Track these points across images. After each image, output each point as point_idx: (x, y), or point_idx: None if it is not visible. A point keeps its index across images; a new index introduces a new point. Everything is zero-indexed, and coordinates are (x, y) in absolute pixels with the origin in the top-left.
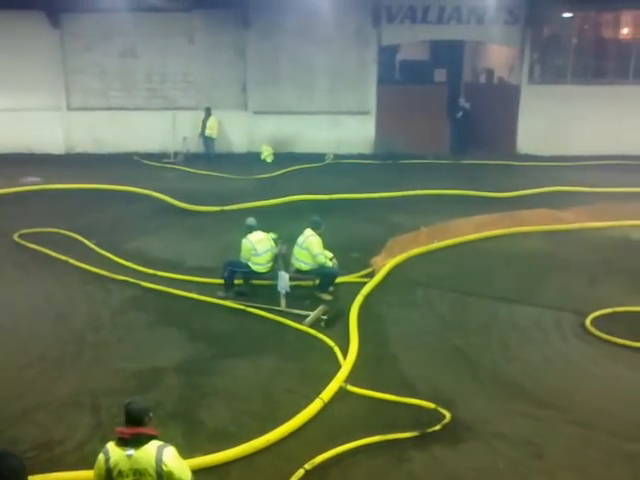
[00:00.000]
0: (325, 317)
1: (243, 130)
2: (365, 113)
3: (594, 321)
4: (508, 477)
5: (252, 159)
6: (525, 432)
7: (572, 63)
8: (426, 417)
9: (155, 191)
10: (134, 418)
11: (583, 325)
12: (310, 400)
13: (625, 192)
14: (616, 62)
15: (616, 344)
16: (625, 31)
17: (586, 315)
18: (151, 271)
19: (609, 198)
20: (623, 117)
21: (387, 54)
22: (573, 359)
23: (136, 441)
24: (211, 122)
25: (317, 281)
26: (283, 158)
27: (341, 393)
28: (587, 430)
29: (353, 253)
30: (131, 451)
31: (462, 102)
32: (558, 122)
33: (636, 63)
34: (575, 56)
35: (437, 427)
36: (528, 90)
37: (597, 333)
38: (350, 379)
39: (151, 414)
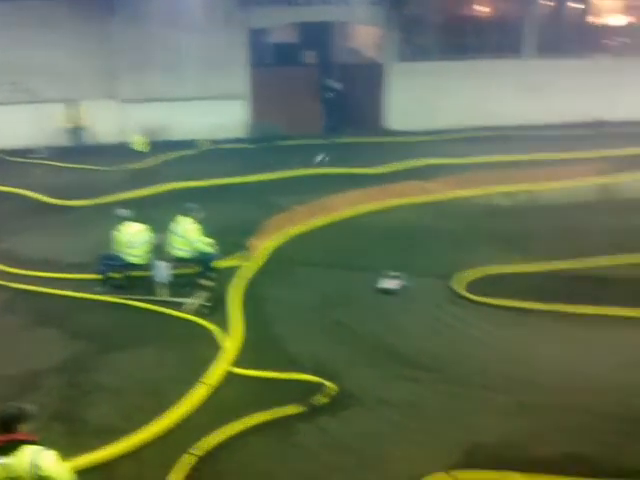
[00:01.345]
0: (208, 303)
1: (113, 120)
2: (239, 97)
3: (466, 285)
4: (392, 438)
5: (124, 149)
6: (406, 395)
7: (436, 41)
8: (312, 391)
9: (23, 188)
10: (4, 425)
11: (453, 288)
12: (195, 386)
13: (489, 161)
14: (476, 38)
15: (486, 305)
16: (483, 8)
17: (456, 278)
18: (23, 272)
19: (474, 168)
20: (485, 90)
21: (258, 37)
22: (447, 322)
23: (8, 448)
24: (79, 113)
25: (198, 268)
26: (159, 146)
27: (227, 377)
28: (462, 387)
29: (233, 237)
30: (3, 459)
31: (333, 83)
32: (425, 98)
33: (494, 38)
34: (438, 34)
35: (323, 399)
36: (395, 68)
37: (469, 296)
38: (235, 362)
39: (28, 419)
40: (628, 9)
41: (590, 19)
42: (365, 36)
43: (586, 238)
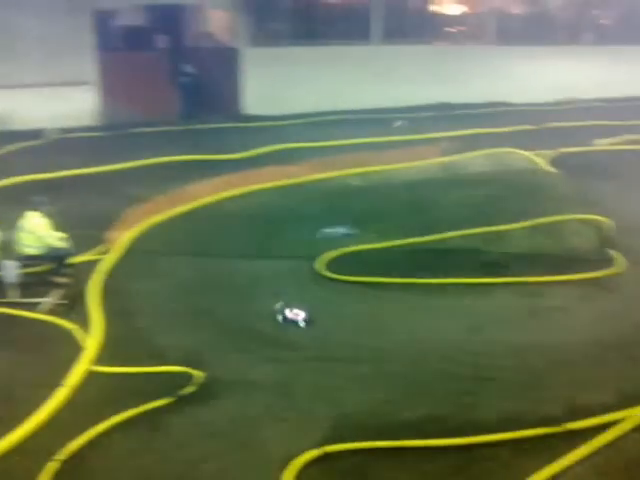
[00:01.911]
0: (64, 301)
1: None
2: (87, 83)
3: (325, 263)
4: (263, 420)
5: None
6: (274, 376)
7: (289, 26)
8: (180, 381)
9: None
10: None
11: (315, 269)
12: (56, 389)
13: (344, 144)
14: (328, 24)
15: (346, 282)
16: None
17: (319, 259)
18: None
19: (331, 151)
20: (338, 75)
21: (106, 20)
22: (310, 301)
23: None
24: None
25: (51, 265)
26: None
27: (90, 376)
28: (327, 362)
29: (89, 230)
30: None
31: (187, 67)
32: (281, 83)
33: (345, 25)
34: (291, 19)
35: (191, 388)
36: (250, 53)
37: (329, 275)
38: (98, 360)
39: None
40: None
41: (431, 8)
42: (219, 20)
43: (434, 213)
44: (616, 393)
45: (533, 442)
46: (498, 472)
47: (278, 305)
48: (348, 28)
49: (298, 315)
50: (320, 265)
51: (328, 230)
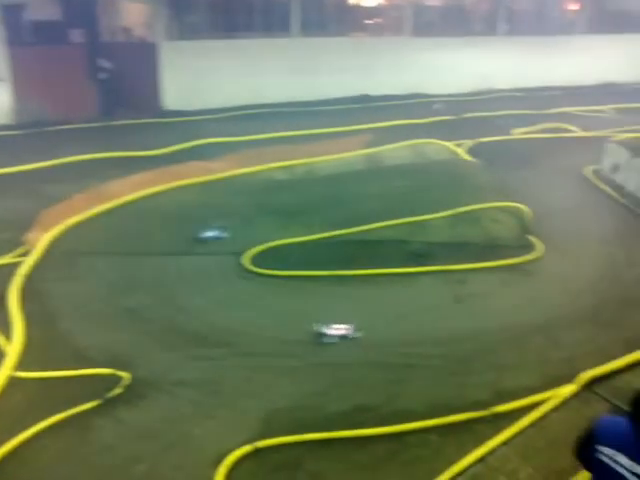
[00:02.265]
0: None
1: None
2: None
3: (252, 258)
4: (193, 419)
5: None
6: (203, 374)
7: (207, 19)
8: (107, 384)
9: None
10: None
11: (242, 264)
12: None
13: (267, 137)
14: (250, 16)
15: (272, 276)
16: None
17: (245, 254)
18: None
19: (254, 145)
20: (258, 68)
21: (14, 13)
22: (236, 297)
23: None
24: None
25: None
26: None
27: (11, 382)
28: (256, 358)
29: (5, 233)
30: None
31: (104, 63)
32: (201, 77)
33: (268, 17)
34: (209, 12)
35: (118, 390)
36: (168, 47)
37: (253, 269)
38: (20, 365)
39: None
40: None
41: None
42: (136, 14)
43: (359, 205)
44: (539, 375)
45: (461, 427)
46: (428, 457)
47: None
48: (268, 20)
49: (340, 330)
50: (247, 260)
51: (202, 235)
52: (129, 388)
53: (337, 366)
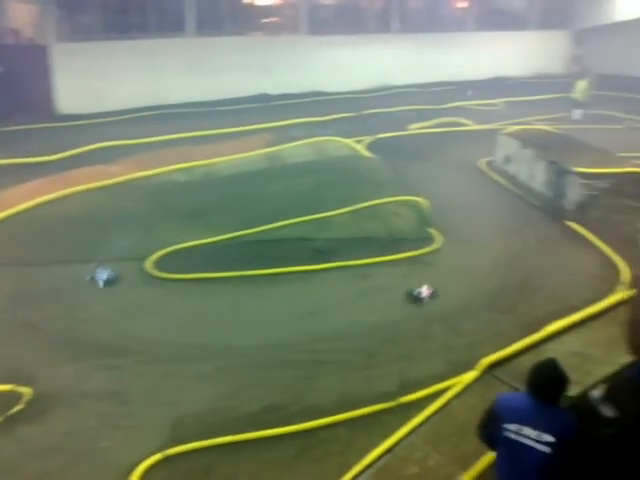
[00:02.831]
0: None
1: None
2: None
3: (155, 263)
4: (101, 430)
5: None
6: (108, 384)
7: (99, 20)
8: (6, 401)
9: None
10: None
11: (145, 270)
12: None
13: (166, 139)
14: (144, 16)
15: (176, 280)
16: None
17: (148, 259)
18: None
19: (153, 147)
20: (154, 69)
21: None
22: (140, 303)
23: None
24: None
25: None
26: None
27: None
28: (164, 364)
29: None
30: None
31: None
32: (96, 79)
33: (163, 17)
34: (101, 13)
35: (19, 407)
36: (59, 49)
37: (157, 274)
38: None
39: None
40: None
41: None
42: (25, 15)
43: (262, 204)
44: (443, 363)
45: (370, 419)
46: (339, 452)
47: None
48: (163, 20)
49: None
50: (150, 265)
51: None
52: (31, 404)
53: (245, 367)
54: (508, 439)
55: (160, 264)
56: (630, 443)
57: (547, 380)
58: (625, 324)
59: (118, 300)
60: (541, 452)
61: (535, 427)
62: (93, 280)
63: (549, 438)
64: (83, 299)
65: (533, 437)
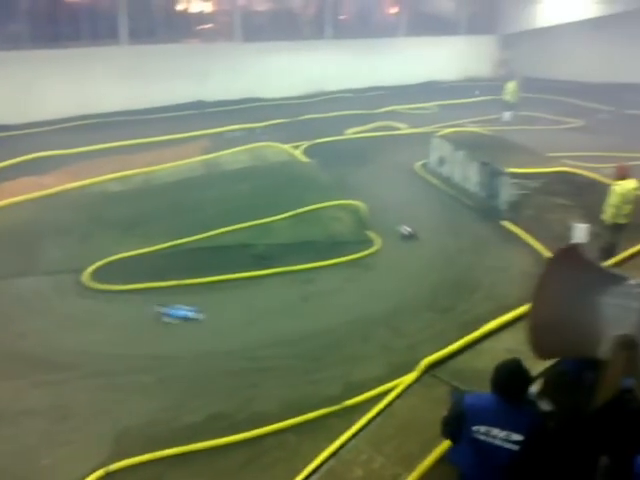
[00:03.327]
0: None
1: None
2: None
3: (92, 275)
4: (42, 448)
5: None
6: (49, 400)
7: (32, 27)
8: None
9: None
10: None
11: (81, 282)
12: None
13: (99, 149)
14: (76, 24)
15: (115, 291)
16: None
17: (84, 271)
18: None
19: (88, 156)
20: (88, 78)
21: None
22: (78, 316)
23: None
24: None
25: None
26: None
27: None
28: (106, 377)
29: None
30: None
31: None
32: (26, 88)
33: (95, 25)
34: (33, 20)
35: None
36: None
37: (94, 286)
38: None
39: None
40: None
41: (178, 6)
42: None
43: (201, 212)
44: (385, 365)
45: (316, 424)
46: (286, 458)
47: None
48: (95, 29)
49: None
50: (87, 277)
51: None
52: None
53: (188, 377)
54: (477, 440)
55: (97, 275)
56: (568, 435)
57: (511, 380)
58: (527, 330)
59: (56, 314)
60: (510, 451)
61: (503, 427)
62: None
63: (518, 437)
64: (19, 313)
65: (502, 437)
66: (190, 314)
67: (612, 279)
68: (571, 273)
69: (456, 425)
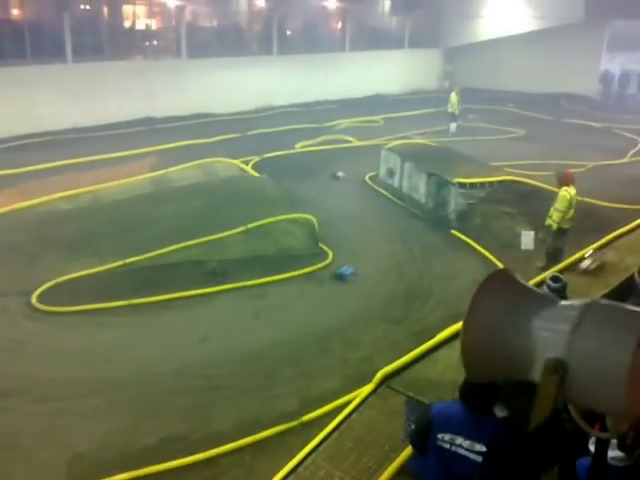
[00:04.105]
0: None
1: None
2: None
3: (40, 297)
4: None
5: None
6: None
7: None
8: None
9: None
10: None
11: (30, 304)
12: None
13: (46, 167)
14: (20, 43)
15: (63, 313)
16: (17, 11)
17: (32, 293)
18: None
19: (33, 176)
20: (33, 96)
21: None
22: (26, 339)
23: None
24: None
25: None
26: None
27: None
28: (55, 402)
29: None
30: None
31: None
32: None
33: (40, 43)
34: None
35: None
36: None
37: (43, 308)
38: None
39: None
40: (156, 14)
41: (124, 23)
42: None
43: (151, 229)
44: (341, 377)
45: (272, 441)
46: (244, 478)
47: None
48: (39, 47)
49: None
50: (35, 299)
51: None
52: None
53: (140, 399)
54: (441, 448)
55: (46, 297)
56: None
57: (477, 391)
58: (460, 349)
59: (2, 337)
60: (474, 462)
61: (467, 437)
62: None
63: (481, 447)
64: None
65: (466, 447)
66: None
67: (543, 301)
68: (502, 296)
69: (424, 434)
